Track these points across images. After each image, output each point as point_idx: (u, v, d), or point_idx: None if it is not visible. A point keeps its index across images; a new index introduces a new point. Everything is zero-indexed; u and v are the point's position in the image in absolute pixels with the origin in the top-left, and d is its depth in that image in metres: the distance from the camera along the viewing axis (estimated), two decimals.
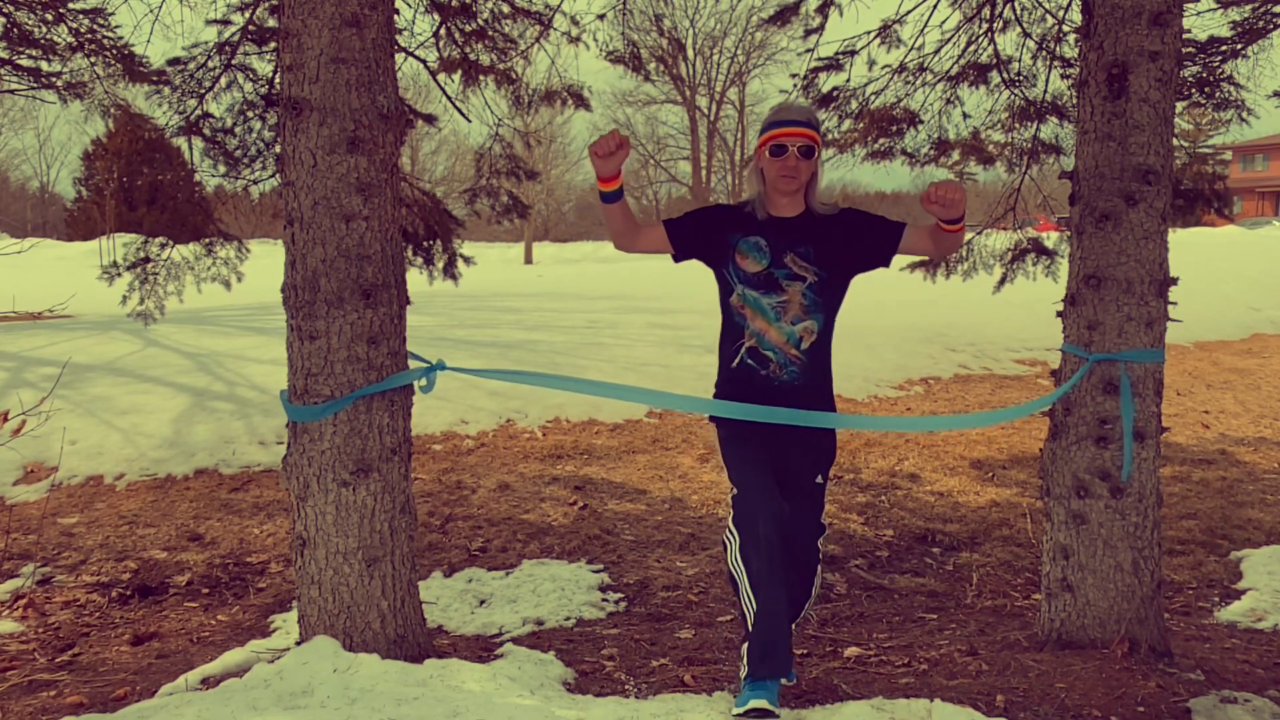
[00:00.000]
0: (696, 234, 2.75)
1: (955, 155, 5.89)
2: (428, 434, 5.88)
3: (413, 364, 2.81)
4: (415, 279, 3.85)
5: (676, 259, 2.79)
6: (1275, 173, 45.08)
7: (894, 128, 5.43)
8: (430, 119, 5.34)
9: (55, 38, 5.25)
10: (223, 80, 4.78)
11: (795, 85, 5.43)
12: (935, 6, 5.11)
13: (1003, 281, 5.65)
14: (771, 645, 2.45)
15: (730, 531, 2.63)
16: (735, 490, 2.68)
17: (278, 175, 4.39)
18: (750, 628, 2.50)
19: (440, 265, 5.43)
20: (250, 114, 4.88)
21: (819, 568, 2.75)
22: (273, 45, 4.71)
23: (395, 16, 2.84)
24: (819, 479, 2.74)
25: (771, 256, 2.66)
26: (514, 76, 5.24)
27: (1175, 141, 2.98)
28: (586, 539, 4.40)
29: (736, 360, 2.71)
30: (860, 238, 2.71)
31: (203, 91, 4.79)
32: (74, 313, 9.69)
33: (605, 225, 2.75)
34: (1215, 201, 5.45)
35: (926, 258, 2.92)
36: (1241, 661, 2.99)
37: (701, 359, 7.52)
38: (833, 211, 2.72)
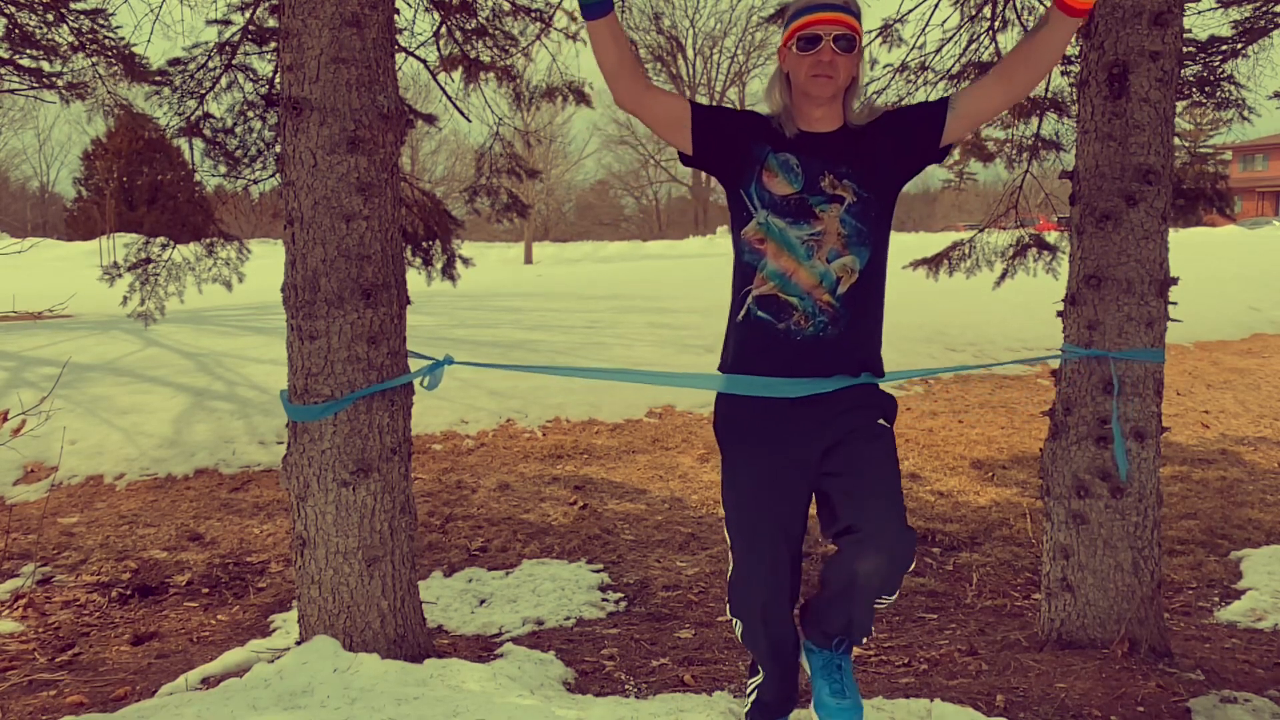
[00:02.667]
0: (724, 131, 2.16)
1: (956, 154, 5.89)
2: (428, 434, 5.88)
3: (416, 363, 2.80)
4: (413, 279, 3.84)
5: (690, 158, 2.19)
6: (1275, 173, 45.06)
7: None
8: (430, 119, 5.34)
9: (57, 38, 5.25)
10: (223, 80, 4.78)
11: None
12: (936, 6, 5.12)
13: (1003, 277, 5.64)
14: (776, 705, 2.36)
15: (728, 602, 2.29)
16: (731, 551, 2.22)
17: (278, 175, 4.38)
18: (759, 673, 2.37)
19: (439, 266, 5.42)
20: (250, 114, 4.87)
21: (912, 546, 2.08)
22: (273, 45, 4.71)
23: (395, 16, 2.84)
24: (880, 421, 2.15)
25: (805, 179, 2.09)
26: (515, 73, 5.24)
27: (1176, 141, 2.99)
28: (586, 539, 4.39)
29: (743, 312, 2.14)
30: (904, 137, 2.15)
31: (203, 92, 4.79)
32: (74, 313, 9.69)
33: (597, 63, 2.11)
34: (1218, 201, 5.44)
35: (1002, 109, 2.10)
36: (1241, 661, 2.99)
37: (701, 359, 7.52)
38: (870, 119, 2.15)
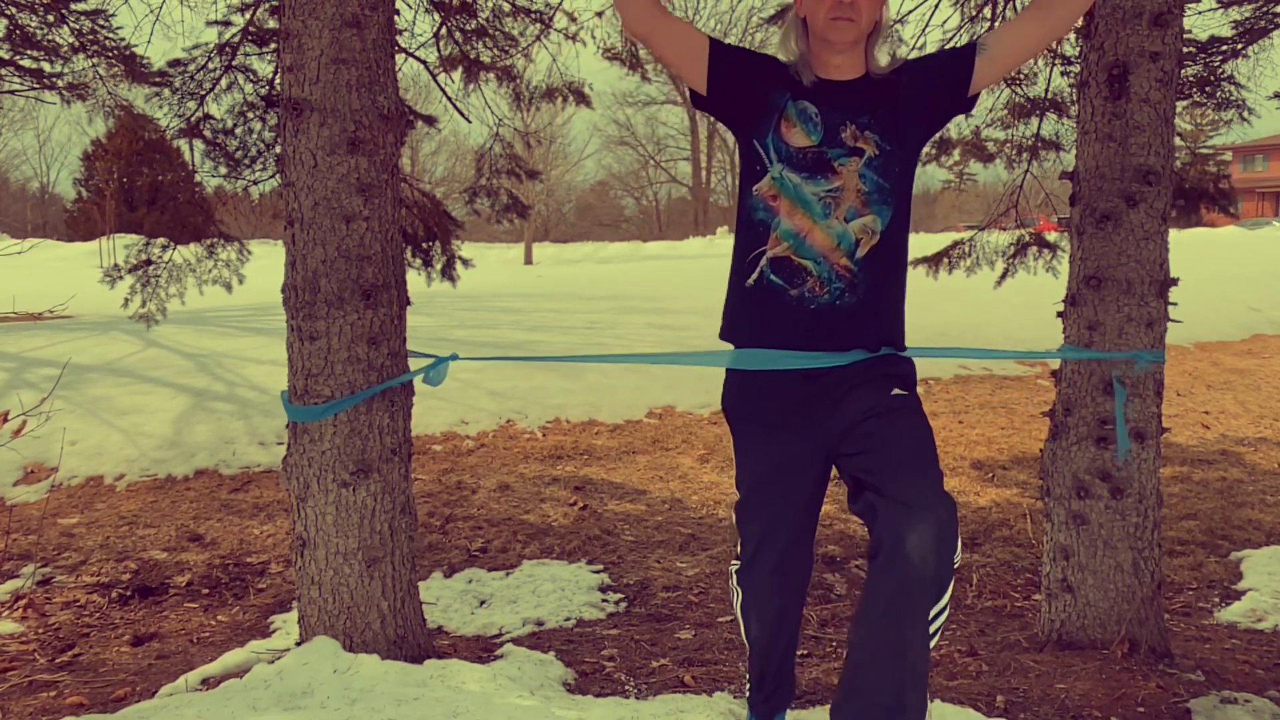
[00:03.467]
0: (743, 72, 1.96)
1: (956, 154, 5.89)
2: (428, 434, 5.89)
3: (417, 362, 2.79)
4: (414, 280, 3.85)
5: (702, 98, 1.99)
6: (1275, 173, 45.07)
7: None
8: (430, 120, 5.34)
9: (57, 39, 5.26)
10: (223, 81, 4.78)
11: None
12: (936, 6, 5.12)
13: (1004, 276, 5.64)
14: (765, 676, 2.23)
15: (733, 576, 2.18)
16: (739, 535, 2.10)
17: (278, 176, 4.39)
18: (749, 655, 2.28)
19: (439, 267, 5.43)
20: (250, 115, 4.88)
21: (955, 514, 1.81)
22: (273, 46, 4.71)
23: (395, 17, 2.84)
24: (896, 391, 1.97)
25: (825, 131, 1.91)
26: (515, 74, 5.24)
27: (1178, 142, 2.99)
28: (586, 539, 4.40)
29: (754, 276, 1.96)
30: (930, 85, 1.97)
31: (203, 93, 4.79)
32: (74, 313, 9.69)
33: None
34: (1221, 200, 5.44)
35: (1039, 48, 1.91)
36: (1241, 662, 2.99)
37: None
38: (892, 68, 1.98)
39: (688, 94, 2.02)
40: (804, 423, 1.97)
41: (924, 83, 1.97)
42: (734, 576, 2.18)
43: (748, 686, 2.32)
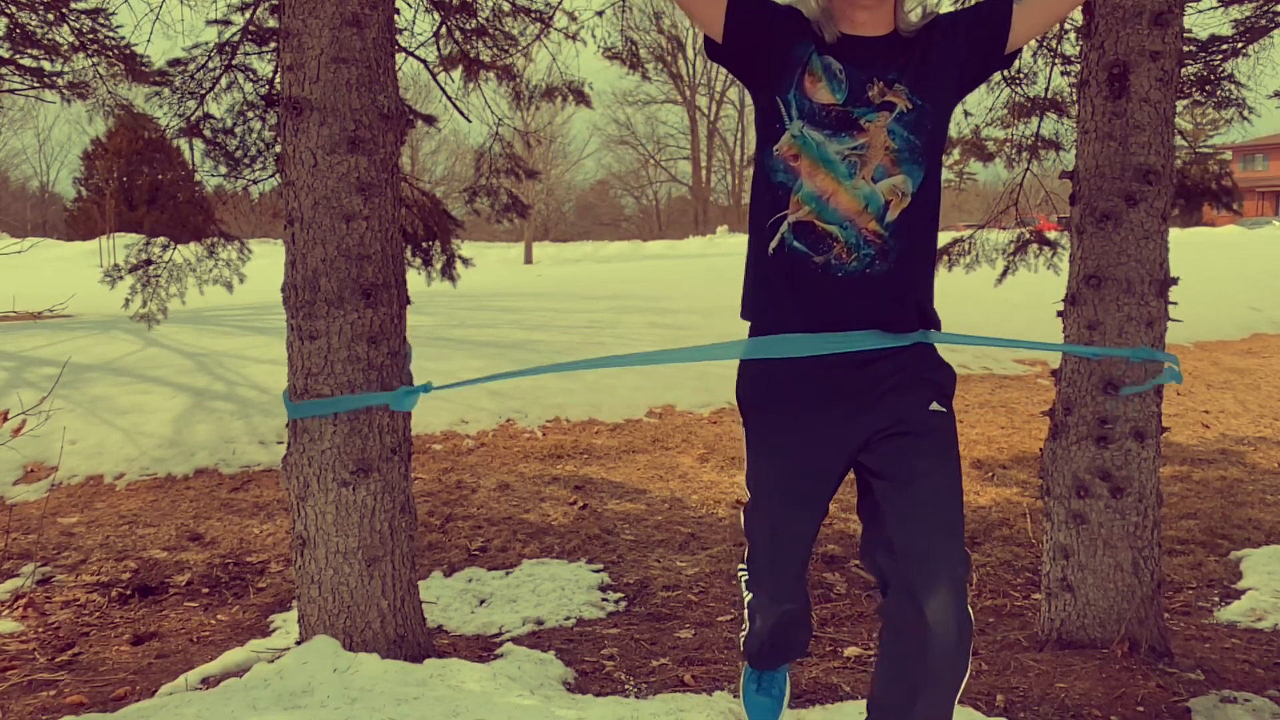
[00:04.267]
0: (765, 20, 1.81)
1: (956, 154, 5.89)
2: (428, 434, 5.89)
3: (414, 367, 2.79)
4: (413, 279, 3.84)
5: (718, 47, 1.83)
6: (1275, 173, 45.08)
7: None
8: (430, 119, 5.34)
9: (57, 38, 5.26)
10: (223, 81, 4.78)
11: None
12: (936, 6, 5.11)
13: (1005, 274, 5.64)
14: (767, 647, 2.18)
15: (742, 583, 2.15)
16: (747, 532, 2.02)
17: (278, 175, 4.39)
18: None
19: (439, 266, 5.43)
20: (250, 114, 4.88)
21: (967, 570, 1.74)
22: (273, 45, 4.71)
23: (395, 16, 2.84)
24: (935, 406, 1.81)
25: (850, 89, 1.76)
26: (515, 73, 5.24)
27: (1179, 141, 2.99)
28: (586, 539, 4.40)
29: (775, 242, 1.80)
30: (964, 40, 1.82)
31: (203, 92, 4.79)
32: (74, 313, 9.69)
33: None
34: (1224, 197, 5.44)
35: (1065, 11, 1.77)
36: (1241, 661, 2.99)
37: None
38: (923, 23, 1.82)
39: (703, 43, 1.85)
40: (832, 417, 1.81)
41: (958, 36, 1.83)
42: (742, 583, 2.12)
43: (744, 635, 2.23)
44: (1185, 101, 5.27)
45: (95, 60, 5.32)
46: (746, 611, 2.20)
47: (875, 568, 1.78)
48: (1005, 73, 5.20)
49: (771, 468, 1.90)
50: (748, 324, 1.91)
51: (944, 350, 1.97)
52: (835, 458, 1.84)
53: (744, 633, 2.23)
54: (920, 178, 1.78)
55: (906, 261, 1.79)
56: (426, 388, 2.22)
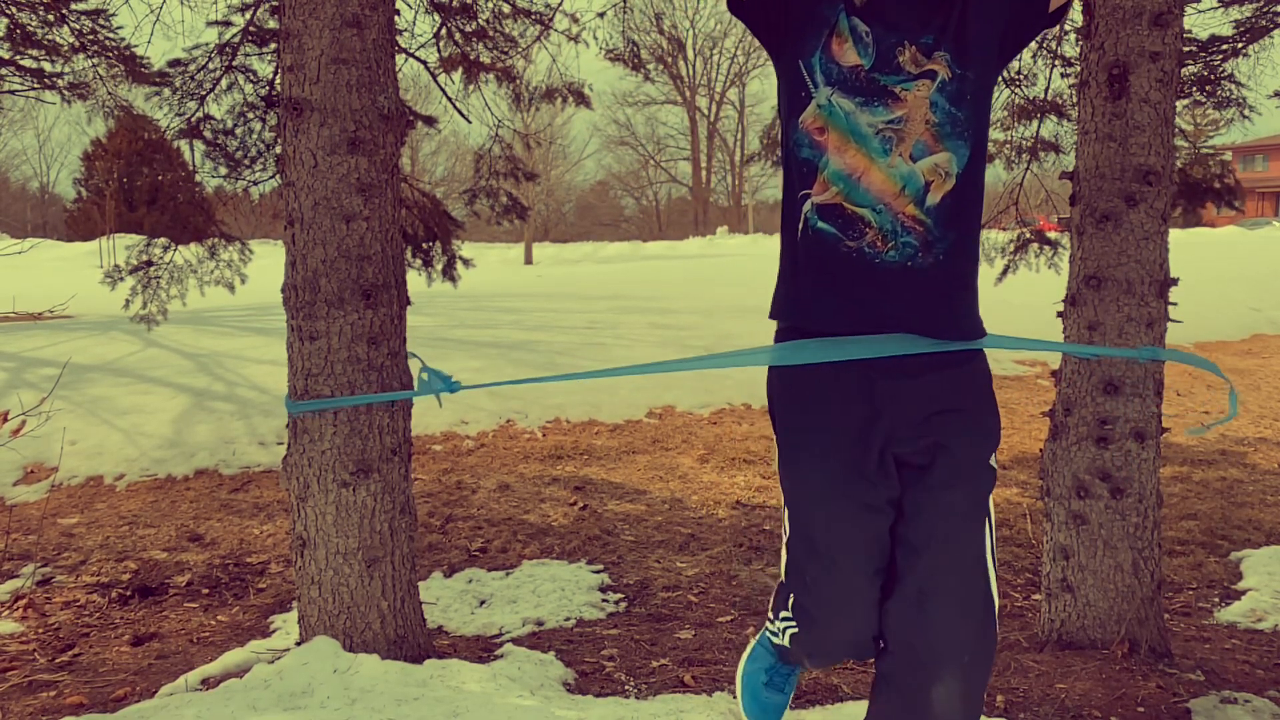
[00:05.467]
0: None
1: None
2: (428, 434, 5.89)
3: (413, 364, 2.76)
4: (414, 280, 3.85)
5: (739, 4, 1.68)
6: (1275, 173, 45.09)
7: None
8: (430, 120, 5.35)
9: (58, 38, 5.26)
10: (223, 82, 4.78)
11: None
12: None
13: (1005, 273, 5.64)
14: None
15: (783, 634, 1.80)
16: (788, 557, 1.69)
17: (278, 176, 4.39)
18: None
19: (439, 267, 5.43)
20: (251, 115, 4.88)
21: (992, 655, 1.60)
22: (273, 46, 4.71)
23: (396, 17, 2.84)
24: (985, 458, 1.62)
25: (876, 52, 1.57)
26: (515, 75, 5.24)
27: (1180, 141, 2.99)
28: (586, 539, 4.40)
29: (801, 223, 1.61)
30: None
31: (203, 93, 4.79)
32: (74, 313, 9.69)
33: None
34: (1226, 195, 5.44)
35: None
36: (1241, 662, 2.99)
37: None
38: None
39: None
40: (872, 423, 1.59)
41: None
42: (784, 634, 1.77)
43: (777, 626, 1.85)
44: (1185, 101, 5.28)
45: (95, 61, 5.33)
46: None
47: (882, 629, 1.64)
48: (1005, 73, 5.20)
49: (820, 497, 1.64)
50: (761, 330, 1.79)
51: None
52: (877, 468, 1.61)
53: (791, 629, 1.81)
54: (966, 156, 1.59)
55: (955, 255, 1.58)
56: (456, 386, 2.06)
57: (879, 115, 1.56)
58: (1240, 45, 5.06)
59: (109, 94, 5.69)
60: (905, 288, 1.56)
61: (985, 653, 1.58)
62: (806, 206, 1.59)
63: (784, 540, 1.71)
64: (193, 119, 4.80)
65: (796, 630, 1.74)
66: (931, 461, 1.59)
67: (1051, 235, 5.69)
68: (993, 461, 1.65)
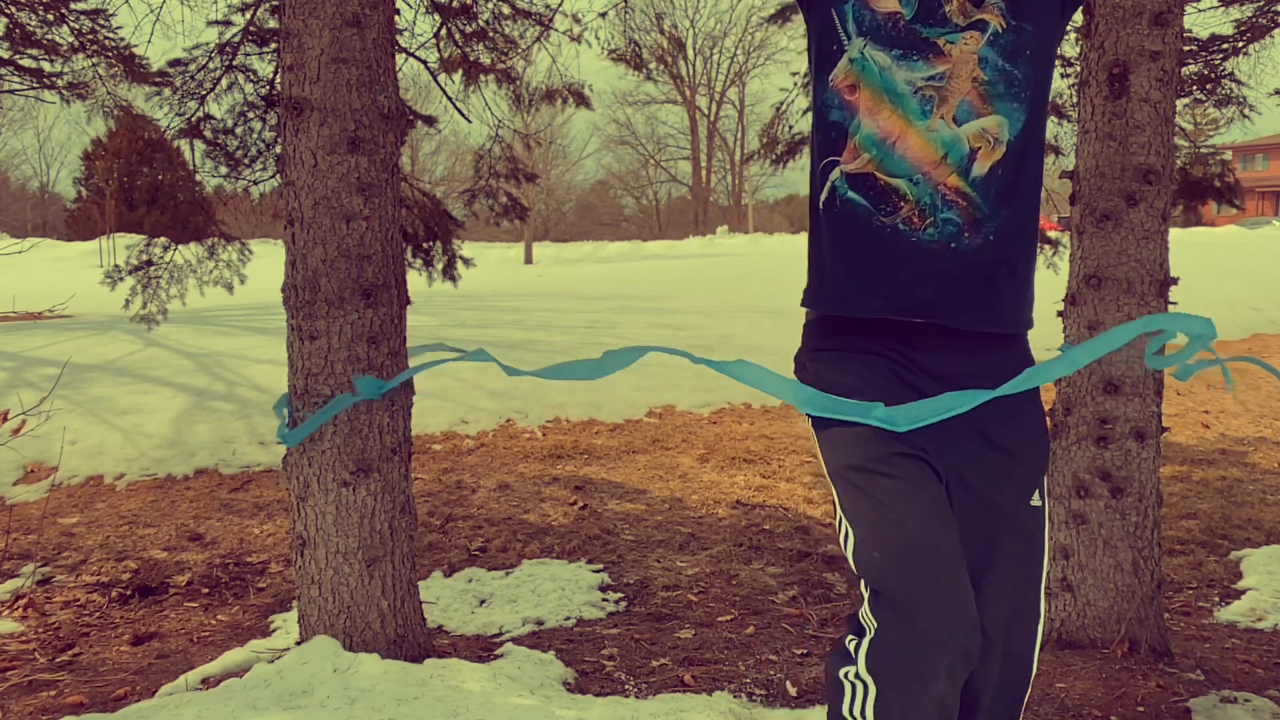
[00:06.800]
0: None
1: None
2: (428, 434, 5.89)
3: (424, 356, 2.68)
4: (414, 280, 3.85)
5: None
6: (1275, 173, 45.09)
7: None
8: (430, 120, 5.35)
9: (57, 38, 5.27)
10: (223, 81, 4.78)
11: (796, 85, 5.43)
12: None
13: None
14: None
15: (860, 661, 1.32)
16: (858, 542, 1.34)
17: (278, 175, 4.39)
18: None
19: (440, 266, 5.43)
20: (251, 115, 4.88)
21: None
22: (273, 46, 4.71)
23: (396, 17, 2.84)
24: (1035, 499, 1.42)
25: (920, 2, 1.36)
26: (514, 75, 5.24)
27: (1181, 141, 2.99)
28: (586, 539, 4.40)
29: (825, 193, 1.41)
30: None
31: (203, 93, 4.80)
32: (74, 313, 9.69)
33: None
34: (1227, 194, 5.44)
35: None
36: (1241, 661, 2.99)
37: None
38: None
39: None
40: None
41: None
42: (861, 661, 1.31)
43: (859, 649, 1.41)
44: (1185, 100, 5.28)
45: (95, 61, 5.33)
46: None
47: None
48: None
49: (885, 479, 1.35)
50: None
51: None
52: (929, 460, 1.37)
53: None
54: (1021, 121, 1.36)
55: (1007, 238, 1.36)
56: (484, 352, 1.94)
57: (918, 71, 1.34)
58: (1240, 44, 5.06)
59: (109, 94, 5.69)
60: (945, 272, 1.34)
61: (1028, 661, 1.44)
62: (834, 174, 1.39)
63: (849, 548, 1.38)
64: (193, 118, 4.80)
65: (877, 629, 1.31)
66: (984, 500, 1.40)
67: (1052, 234, 5.69)
68: (1038, 499, 1.42)
